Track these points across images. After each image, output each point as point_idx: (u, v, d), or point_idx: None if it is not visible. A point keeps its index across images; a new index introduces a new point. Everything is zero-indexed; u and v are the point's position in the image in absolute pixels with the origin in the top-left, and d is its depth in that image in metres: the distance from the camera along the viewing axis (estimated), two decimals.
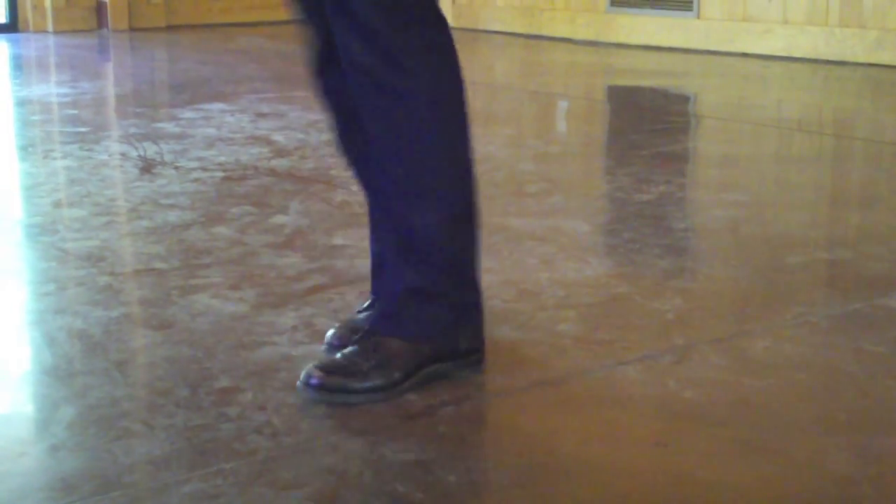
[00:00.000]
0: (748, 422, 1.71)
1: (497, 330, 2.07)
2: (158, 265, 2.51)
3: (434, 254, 1.83)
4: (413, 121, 1.78)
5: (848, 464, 1.57)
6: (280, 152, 3.75)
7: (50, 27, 8.09)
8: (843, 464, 1.57)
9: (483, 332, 1.90)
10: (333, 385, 1.77)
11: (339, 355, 1.82)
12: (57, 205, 3.09)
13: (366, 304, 2.02)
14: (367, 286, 2.32)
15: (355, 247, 2.61)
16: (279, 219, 2.89)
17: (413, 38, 1.75)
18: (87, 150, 3.81)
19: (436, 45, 1.79)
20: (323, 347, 1.95)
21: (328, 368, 1.79)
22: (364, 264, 2.48)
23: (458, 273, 1.86)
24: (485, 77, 5.79)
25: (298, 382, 1.79)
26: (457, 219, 1.84)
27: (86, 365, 1.93)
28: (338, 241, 2.68)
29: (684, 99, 5.35)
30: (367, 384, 1.77)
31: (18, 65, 6.56)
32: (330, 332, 1.97)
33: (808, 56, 6.31)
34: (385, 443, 1.64)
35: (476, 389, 1.83)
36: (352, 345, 1.83)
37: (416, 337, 1.82)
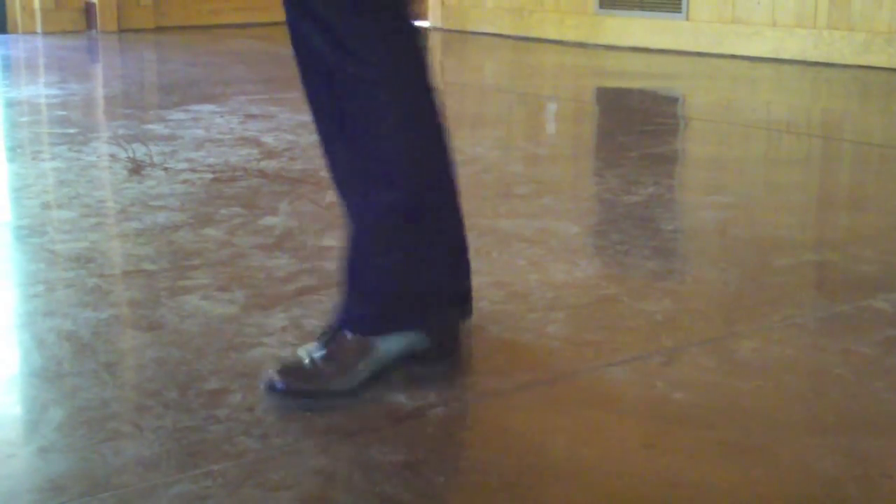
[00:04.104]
0: (736, 423, 1.72)
1: (486, 331, 2.07)
2: (147, 267, 2.51)
3: (375, 249, 1.81)
4: (367, 109, 1.74)
5: (835, 465, 1.58)
6: (269, 154, 3.75)
7: (39, 28, 8.08)
8: (830, 465, 1.58)
9: (452, 329, 1.89)
10: (295, 389, 1.76)
11: (306, 359, 1.80)
12: (46, 206, 3.08)
13: None
14: None
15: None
16: (268, 220, 2.90)
17: (368, 25, 1.72)
18: (76, 151, 3.81)
19: (393, 32, 1.76)
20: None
21: (289, 372, 1.78)
22: None
23: (400, 269, 1.82)
24: (474, 79, 5.79)
25: (262, 384, 1.79)
26: (403, 214, 1.80)
27: (75, 366, 1.93)
28: (327, 242, 2.68)
29: (673, 101, 5.36)
30: (329, 387, 1.77)
31: (7, 66, 6.54)
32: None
33: (796, 58, 6.33)
34: (374, 444, 1.64)
35: (465, 391, 1.83)
36: (319, 343, 1.82)
37: (364, 332, 1.81)
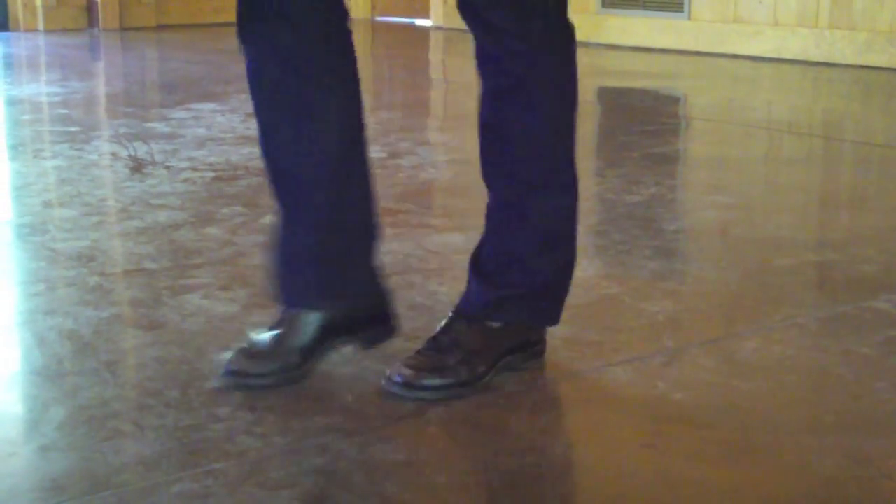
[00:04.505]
0: (737, 423, 1.72)
1: None
2: (149, 265, 2.51)
3: (565, 246, 1.88)
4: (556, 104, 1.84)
5: (836, 465, 1.58)
6: None
7: (40, 26, 8.08)
8: (831, 465, 1.58)
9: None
10: (420, 383, 1.78)
11: (421, 351, 1.84)
12: (47, 205, 3.09)
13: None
14: None
15: None
16: (270, 219, 2.89)
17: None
18: (78, 149, 3.81)
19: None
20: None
21: (415, 366, 1.80)
22: None
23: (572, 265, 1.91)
24: (476, 78, 5.76)
25: (384, 381, 1.80)
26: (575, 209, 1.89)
27: (76, 365, 1.93)
28: None
29: (675, 100, 5.36)
30: (451, 380, 1.79)
31: (9, 64, 6.55)
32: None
33: (798, 58, 6.32)
34: (375, 443, 1.64)
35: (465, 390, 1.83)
36: (433, 339, 1.86)
37: (516, 324, 1.86)
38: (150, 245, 2.66)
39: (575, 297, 2.29)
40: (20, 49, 7.13)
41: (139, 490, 1.49)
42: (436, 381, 1.78)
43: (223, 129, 4.20)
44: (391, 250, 2.56)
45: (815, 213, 3.17)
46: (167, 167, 3.53)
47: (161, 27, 8.41)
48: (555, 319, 1.92)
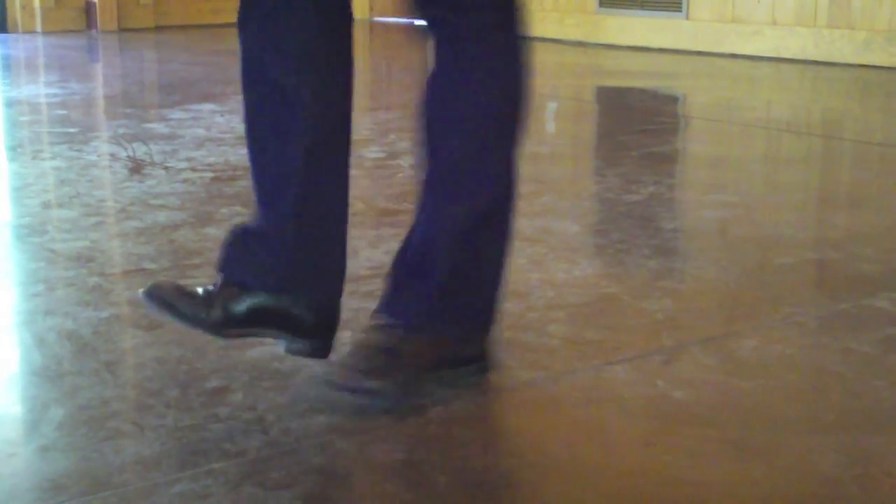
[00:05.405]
0: (737, 422, 1.72)
1: None
2: (148, 266, 2.51)
3: (462, 253, 1.80)
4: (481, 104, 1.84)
5: (835, 464, 1.58)
6: None
7: (39, 27, 8.08)
8: (830, 464, 1.58)
9: (487, 341, 1.87)
10: (349, 384, 1.74)
11: (355, 350, 1.78)
12: (46, 205, 3.08)
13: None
14: (357, 287, 2.32)
15: None
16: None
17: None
18: (77, 150, 3.81)
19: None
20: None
21: (349, 365, 1.76)
22: (353, 264, 2.48)
23: (477, 275, 1.83)
24: None
25: (321, 377, 1.79)
26: (488, 216, 1.83)
27: (75, 365, 1.93)
28: None
29: (673, 100, 5.36)
30: (377, 385, 1.74)
31: (7, 65, 6.54)
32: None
33: (796, 57, 6.33)
34: (375, 443, 1.64)
35: (466, 389, 1.83)
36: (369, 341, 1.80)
37: (437, 337, 1.80)
38: (149, 245, 2.66)
39: (574, 296, 2.30)
40: (18, 50, 7.13)
41: (139, 490, 1.49)
42: (360, 385, 1.74)
43: (222, 129, 4.20)
44: (390, 250, 2.55)
45: (814, 211, 3.17)
46: (166, 168, 3.53)
47: (159, 28, 8.41)
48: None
